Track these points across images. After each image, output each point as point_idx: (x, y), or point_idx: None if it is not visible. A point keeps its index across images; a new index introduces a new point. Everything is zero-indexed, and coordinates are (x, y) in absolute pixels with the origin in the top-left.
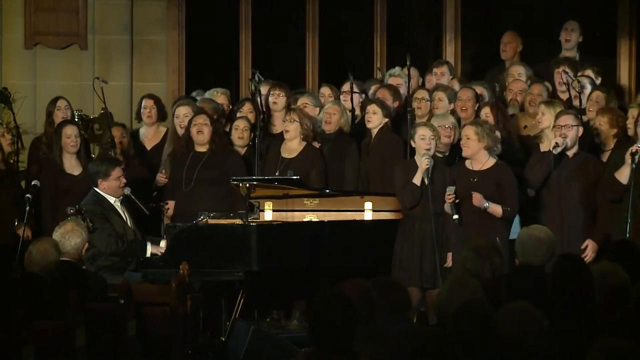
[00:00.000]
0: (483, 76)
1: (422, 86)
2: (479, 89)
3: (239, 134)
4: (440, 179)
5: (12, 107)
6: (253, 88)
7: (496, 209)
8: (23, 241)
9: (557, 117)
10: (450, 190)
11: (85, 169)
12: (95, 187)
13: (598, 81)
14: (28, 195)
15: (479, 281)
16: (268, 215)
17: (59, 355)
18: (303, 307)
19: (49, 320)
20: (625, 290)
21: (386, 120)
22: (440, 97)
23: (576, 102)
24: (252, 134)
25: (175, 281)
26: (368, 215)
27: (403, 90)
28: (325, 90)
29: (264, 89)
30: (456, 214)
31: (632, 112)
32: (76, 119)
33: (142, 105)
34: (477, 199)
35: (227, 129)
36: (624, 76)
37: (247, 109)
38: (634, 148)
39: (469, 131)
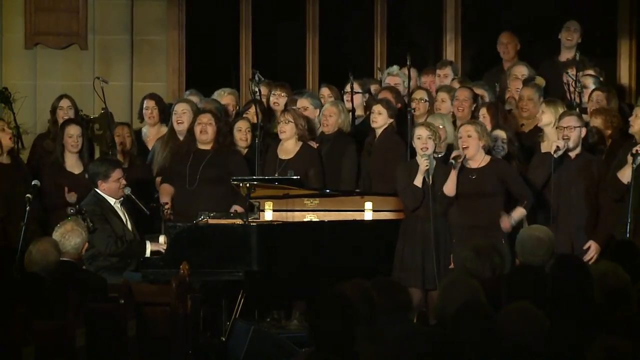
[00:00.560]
0: (482, 76)
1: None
2: (479, 90)
3: (242, 135)
4: (442, 179)
5: (13, 107)
6: (253, 88)
7: (520, 213)
8: (23, 241)
9: (560, 117)
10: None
11: (85, 168)
12: (95, 188)
13: (601, 78)
14: (28, 195)
15: (479, 281)
16: (268, 215)
17: (59, 355)
18: (303, 307)
19: (49, 320)
20: (625, 290)
21: (391, 120)
22: (443, 97)
23: (577, 100)
24: (254, 135)
25: (176, 281)
26: (368, 215)
27: (402, 90)
28: (325, 91)
29: (264, 90)
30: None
31: (638, 112)
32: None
33: (144, 106)
34: (506, 223)
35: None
36: (624, 76)
37: (253, 111)
38: (635, 149)
39: (470, 129)
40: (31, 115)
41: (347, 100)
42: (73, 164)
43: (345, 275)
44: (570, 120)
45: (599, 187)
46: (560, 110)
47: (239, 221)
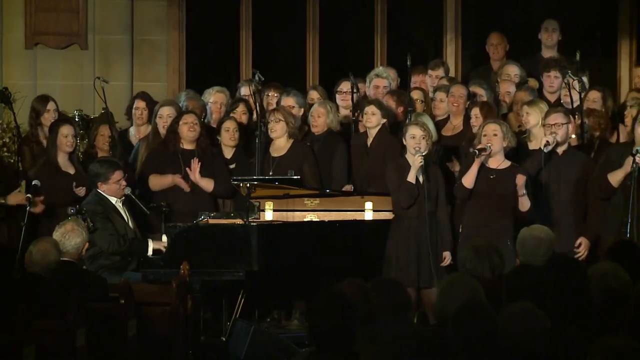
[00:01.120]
0: (469, 76)
1: (404, 86)
2: (478, 89)
3: (230, 135)
4: (432, 177)
5: (13, 107)
6: (254, 88)
7: (526, 202)
8: (24, 241)
9: (546, 115)
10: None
11: (77, 169)
12: (96, 188)
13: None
14: (29, 195)
15: (479, 281)
16: (268, 215)
17: (59, 355)
18: (303, 307)
19: (49, 320)
20: (625, 290)
21: (384, 120)
22: (441, 97)
23: (566, 99)
24: (240, 134)
25: (176, 281)
26: (368, 215)
27: (387, 89)
28: (314, 94)
29: (247, 90)
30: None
31: (631, 112)
32: (76, 119)
33: (134, 106)
34: (521, 181)
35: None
36: (625, 76)
37: (240, 110)
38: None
39: (496, 128)
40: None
41: (342, 100)
42: (66, 165)
43: (346, 275)
44: (557, 117)
45: (586, 184)
46: (544, 108)
47: (239, 221)
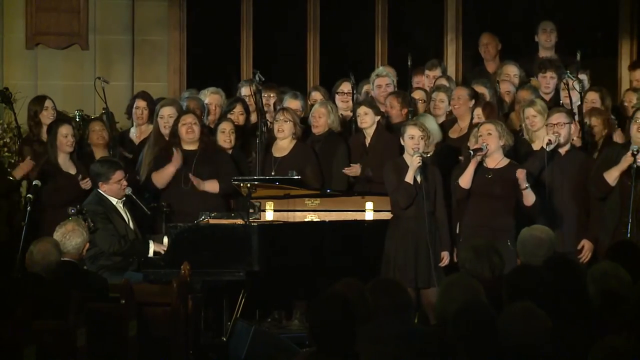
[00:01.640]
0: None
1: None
2: (480, 89)
3: (226, 136)
4: (430, 178)
5: (14, 107)
6: (254, 88)
7: (530, 196)
8: (24, 241)
9: (549, 115)
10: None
11: (78, 168)
12: (97, 188)
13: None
14: (29, 195)
15: (479, 281)
16: (269, 215)
17: (60, 356)
18: (304, 307)
19: (50, 321)
20: (626, 290)
21: (378, 117)
22: (441, 98)
23: (566, 100)
24: (237, 135)
25: (177, 281)
26: (369, 215)
27: (391, 88)
28: (316, 95)
29: (248, 91)
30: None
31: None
32: (77, 119)
33: (135, 106)
34: (522, 175)
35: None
36: (625, 76)
37: (238, 110)
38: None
39: (491, 127)
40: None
41: (342, 101)
42: (67, 165)
43: (346, 276)
44: (560, 117)
45: (588, 185)
46: (540, 107)
47: (240, 221)
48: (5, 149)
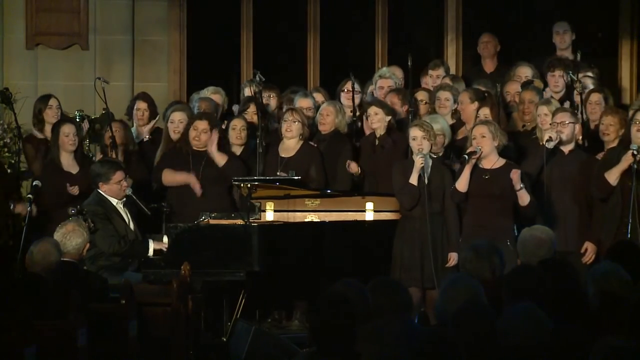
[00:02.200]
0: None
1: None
2: (484, 88)
3: (237, 133)
4: (439, 178)
5: (14, 108)
6: (255, 88)
7: (525, 196)
8: (24, 241)
9: (553, 114)
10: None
11: (81, 167)
12: (97, 188)
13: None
14: (30, 195)
15: (479, 281)
16: (269, 215)
17: (60, 356)
18: (304, 308)
19: (50, 321)
20: (626, 290)
21: (389, 118)
22: (446, 96)
23: (577, 100)
24: (250, 134)
25: (177, 281)
26: (369, 216)
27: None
28: (318, 97)
29: (249, 91)
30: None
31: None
32: (77, 119)
33: (135, 107)
34: (516, 175)
35: (224, 127)
36: (625, 76)
37: (252, 110)
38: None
39: (484, 129)
40: (32, 116)
41: (347, 99)
42: (69, 164)
43: (347, 276)
44: (564, 116)
45: (591, 187)
46: (554, 107)
47: (240, 221)
48: (6, 149)
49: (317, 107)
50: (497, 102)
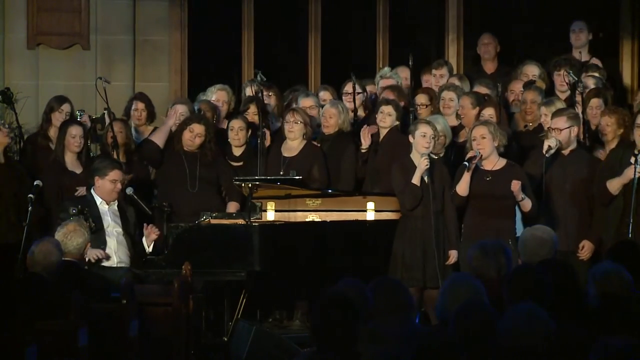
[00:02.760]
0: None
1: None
2: (485, 90)
3: (234, 134)
4: (440, 178)
5: (15, 107)
6: (256, 88)
7: (527, 203)
8: (25, 241)
9: (551, 118)
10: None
11: (85, 168)
12: (92, 184)
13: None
14: (31, 195)
15: (483, 280)
16: (270, 215)
17: (61, 356)
18: (305, 307)
19: (51, 321)
20: (627, 290)
21: (397, 123)
22: (451, 97)
23: (578, 99)
24: (249, 134)
25: (178, 281)
26: (370, 216)
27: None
28: (326, 95)
29: (250, 91)
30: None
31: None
32: (78, 119)
33: (133, 107)
34: (516, 187)
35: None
36: (627, 76)
37: (252, 110)
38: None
39: (483, 131)
40: (33, 116)
41: (348, 101)
42: (73, 164)
43: (348, 276)
44: (559, 122)
45: (591, 184)
46: (554, 109)
47: (241, 221)
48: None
49: (322, 106)
50: (498, 102)
